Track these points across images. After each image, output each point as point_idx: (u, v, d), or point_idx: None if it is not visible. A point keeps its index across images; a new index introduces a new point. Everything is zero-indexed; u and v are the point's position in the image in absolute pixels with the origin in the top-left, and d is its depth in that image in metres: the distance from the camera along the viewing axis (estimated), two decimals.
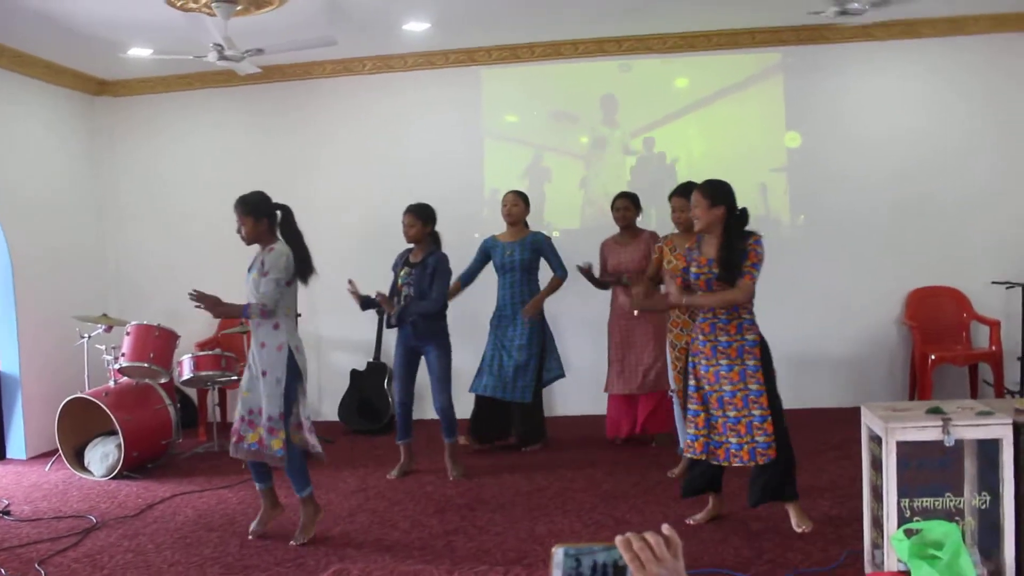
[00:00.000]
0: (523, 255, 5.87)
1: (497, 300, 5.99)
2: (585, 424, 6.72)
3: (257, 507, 4.67)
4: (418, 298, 5.29)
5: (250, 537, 4.45)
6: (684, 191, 4.90)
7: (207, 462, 6.13)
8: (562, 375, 6.15)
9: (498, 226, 6.16)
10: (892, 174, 6.82)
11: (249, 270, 4.41)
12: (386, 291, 5.42)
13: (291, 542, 4.34)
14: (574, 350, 6.79)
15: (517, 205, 5.92)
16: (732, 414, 4.03)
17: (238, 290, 4.52)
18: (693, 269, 4.13)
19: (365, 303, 5.41)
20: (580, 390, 6.83)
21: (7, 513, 5.06)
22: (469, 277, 6.01)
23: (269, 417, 4.25)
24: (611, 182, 7.06)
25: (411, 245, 5.46)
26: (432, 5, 6.04)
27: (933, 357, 6.33)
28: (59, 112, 7.18)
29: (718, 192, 4.10)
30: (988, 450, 3.28)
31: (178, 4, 5.44)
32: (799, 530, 4.11)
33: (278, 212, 4.43)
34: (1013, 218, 6.69)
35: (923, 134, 6.82)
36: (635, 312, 4.95)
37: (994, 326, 6.41)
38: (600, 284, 5.92)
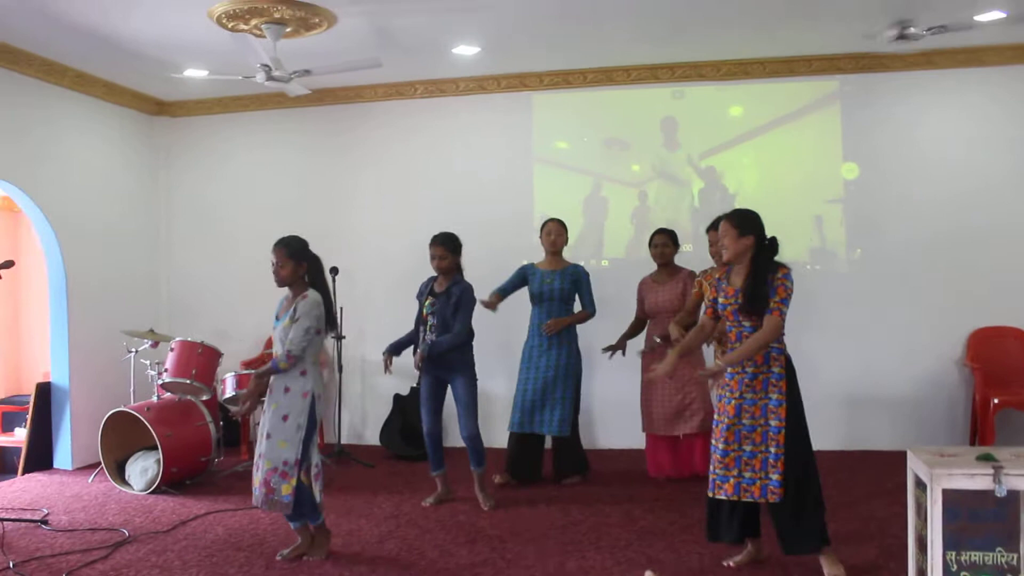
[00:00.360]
0: (563, 285, 5.77)
1: (529, 329, 5.89)
2: (627, 458, 6.56)
3: (288, 531, 4.64)
4: (442, 328, 5.21)
5: (277, 558, 4.40)
6: (720, 224, 4.77)
7: (245, 481, 6.10)
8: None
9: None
10: (953, 208, 6.57)
11: (278, 317, 4.39)
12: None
13: (305, 557, 4.37)
14: (614, 382, 6.63)
15: (561, 235, 5.83)
16: (748, 448, 3.88)
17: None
18: (720, 299, 4.00)
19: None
20: (621, 423, 6.65)
21: (45, 523, 5.11)
22: (504, 293, 5.88)
23: (284, 462, 4.22)
24: (662, 212, 6.96)
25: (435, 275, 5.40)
26: (482, 29, 6.03)
27: (996, 401, 6.04)
28: (118, 131, 7.35)
29: (746, 221, 3.97)
30: None
31: (229, 25, 5.51)
32: (830, 573, 3.91)
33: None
34: None
35: (985, 166, 6.56)
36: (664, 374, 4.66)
37: None
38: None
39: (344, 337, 6.84)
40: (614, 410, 6.82)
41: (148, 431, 6.10)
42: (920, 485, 3.23)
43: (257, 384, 4.31)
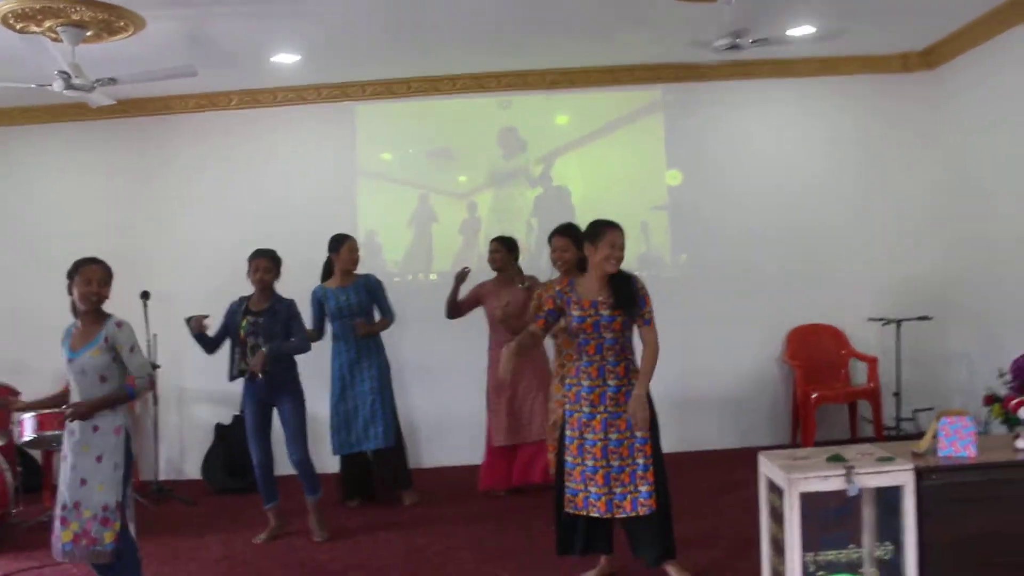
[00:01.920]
0: (359, 298, 5.64)
1: (333, 349, 5.71)
2: (455, 475, 6.43)
3: None
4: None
5: None
6: (566, 231, 4.73)
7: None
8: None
9: (370, 267, 6.03)
10: (770, 211, 6.87)
11: (74, 349, 3.82)
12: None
13: None
14: (431, 398, 6.65)
15: (355, 251, 5.69)
16: (616, 463, 3.83)
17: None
18: (576, 312, 3.88)
19: (206, 341, 5.05)
20: (443, 439, 6.71)
21: None
22: (320, 329, 5.72)
23: (104, 507, 3.76)
24: (497, 221, 6.88)
25: (247, 294, 5.15)
26: (302, 37, 5.73)
27: (815, 396, 6.35)
28: None
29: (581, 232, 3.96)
30: (888, 497, 3.16)
31: (17, 27, 4.93)
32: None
33: None
34: (886, 256, 6.83)
35: (799, 171, 6.91)
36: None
37: (872, 363, 6.50)
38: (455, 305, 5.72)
39: (159, 366, 6.31)
40: (434, 426, 6.79)
41: None
42: (775, 490, 3.26)
43: (96, 404, 3.78)
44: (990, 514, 3.10)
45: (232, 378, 5.14)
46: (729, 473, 5.90)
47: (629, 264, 6.71)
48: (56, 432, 5.64)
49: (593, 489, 3.84)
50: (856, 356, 6.68)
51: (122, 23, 5.05)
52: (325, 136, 7.00)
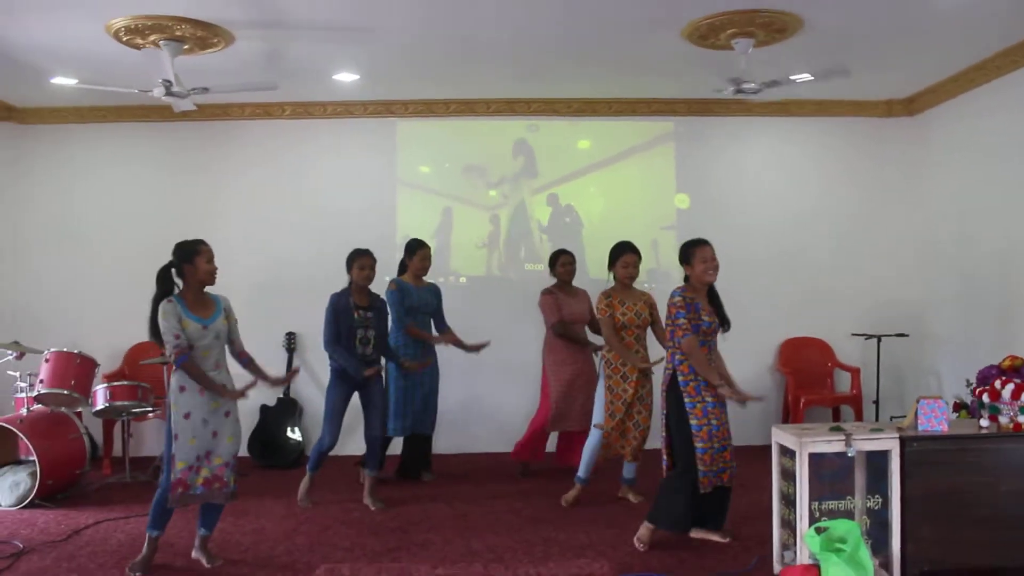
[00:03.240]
0: (433, 300, 6.33)
1: (402, 342, 6.19)
2: (474, 461, 7.18)
3: (190, 532, 4.77)
4: (379, 339, 5.67)
5: (193, 556, 4.56)
6: (632, 247, 5.63)
7: (122, 492, 6.09)
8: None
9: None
10: (766, 237, 7.66)
11: (208, 318, 4.37)
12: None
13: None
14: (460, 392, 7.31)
15: (427, 259, 6.34)
16: (727, 444, 4.62)
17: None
18: (706, 319, 4.65)
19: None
20: (465, 430, 7.49)
21: None
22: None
23: (233, 455, 4.43)
24: (517, 235, 7.65)
25: (340, 290, 5.67)
26: (364, 58, 6.39)
27: (804, 400, 7.10)
28: None
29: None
30: (876, 460, 3.91)
31: (124, 39, 5.60)
32: (725, 541, 4.67)
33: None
34: (869, 277, 7.64)
35: (794, 200, 7.73)
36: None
37: (855, 373, 7.28)
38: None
39: None
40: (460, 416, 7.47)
41: (12, 446, 6.00)
42: (787, 453, 3.99)
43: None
44: (958, 475, 3.88)
45: (362, 377, 5.56)
46: None
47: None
48: (127, 403, 6.30)
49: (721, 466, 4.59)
50: (840, 367, 7.46)
51: (216, 39, 5.72)
52: (369, 148, 7.68)
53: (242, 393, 4.43)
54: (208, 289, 4.48)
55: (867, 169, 7.73)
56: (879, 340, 7.20)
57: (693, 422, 4.53)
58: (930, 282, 7.44)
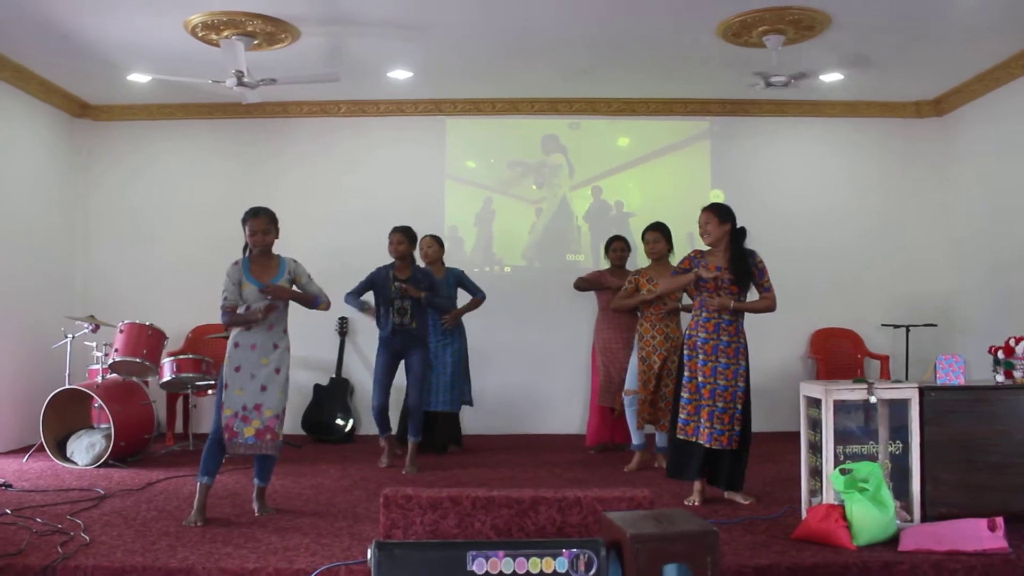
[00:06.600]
0: (442, 286, 6.62)
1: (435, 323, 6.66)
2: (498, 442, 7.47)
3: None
4: (415, 308, 6.03)
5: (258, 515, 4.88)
6: (658, 227, 5.93)
7: (185, 457, 6.49)
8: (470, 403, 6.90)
9: (454, 258, 7.23)
10: (798, 232, 7.96)
11: (268, 280, 4.79)
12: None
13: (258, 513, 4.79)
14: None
15: (432, 247, 6.72)
16: (720, 405, 4.77)
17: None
18: (703, 274, 4.89)
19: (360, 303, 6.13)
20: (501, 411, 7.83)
21: (9, 486, 5.36)
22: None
23: (283, 409, 4.81)
24: (558, 227, 8.05)
25: (384, 264, 6.15)
26: (419, 55, 6.82)
27: None
28: (45, 129, 7.54)
29: (725, 212, 5.01)
30: (897, 409, 4.21)
31: (200, 35, 6.08)
32: (746, 503, 4.91)
33: None
34: (897, 270, 7.93)
35: (825, 196, 8.04)
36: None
37: (884, 361, 7.53)
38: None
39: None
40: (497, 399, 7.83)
41: (85, 413, 6.44)
42: (814, 403, 4.30)
43: (293, 296, 4.88)
44: (974, 424, 4.16)
45: (387, 333, 6.05)
46: (759, 447, 6.87)
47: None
48: (192, 375, 6.73)
49: (694, 420, 4.81)
50: (870, 355, 7.72)
51: (283, 35, 6.18)
52: (419, 143, 8.11)
53: (263, 312, 4.74)
54: (278, 252, 4.91)
55: (897, 167, 8.03)
56: (908, 330, 7.44)
57: (686, 373, 4.86)
58: (958, 274, 7.70)
